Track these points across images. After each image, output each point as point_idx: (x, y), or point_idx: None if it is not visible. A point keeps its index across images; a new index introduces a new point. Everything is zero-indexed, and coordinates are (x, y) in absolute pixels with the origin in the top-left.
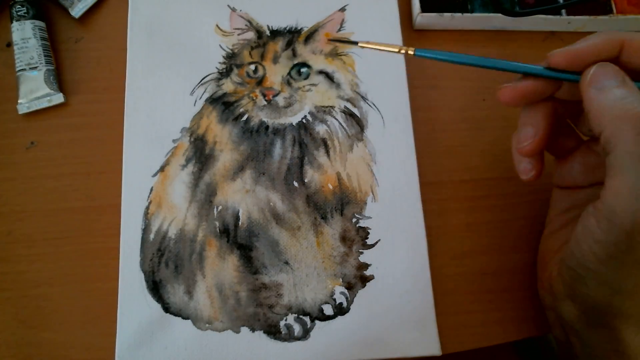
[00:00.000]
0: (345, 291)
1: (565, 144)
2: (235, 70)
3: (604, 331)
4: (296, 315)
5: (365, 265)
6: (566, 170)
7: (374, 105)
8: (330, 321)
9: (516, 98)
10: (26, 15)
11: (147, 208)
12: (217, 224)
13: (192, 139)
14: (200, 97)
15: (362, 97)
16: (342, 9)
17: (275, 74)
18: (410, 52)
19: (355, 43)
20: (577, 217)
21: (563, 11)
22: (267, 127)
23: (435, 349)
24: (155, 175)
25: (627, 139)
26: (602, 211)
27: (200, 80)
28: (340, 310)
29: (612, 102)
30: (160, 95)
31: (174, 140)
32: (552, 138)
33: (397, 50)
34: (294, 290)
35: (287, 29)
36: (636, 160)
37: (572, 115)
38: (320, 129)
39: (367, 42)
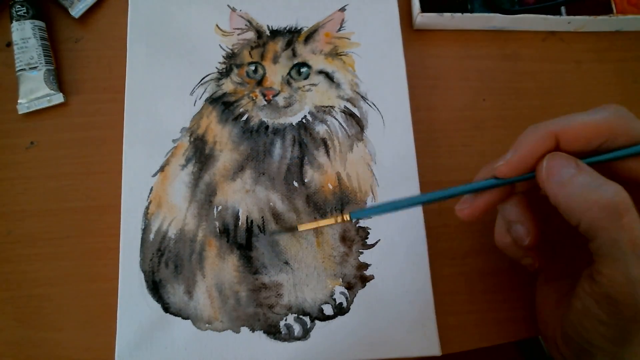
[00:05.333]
0: (345, 291)
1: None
2: (235, 70)
3: None
4: (296, 315)
5: (365, 265)
6: (552, 225)
7: (374, 105)
8: (330, 321)
9: (476, 214)
10: (26, 15)
11: (147, 208)
12: (217, 224)
13: (192, 139)
14: (200, 97)
15: (362, 97)
16: (342, 9)
17: (275, 73)
18: (347, 218)
19: (295, 228)
20: (570, 267)
21: (563, 11)
22: (267, 127)
23: (435, 349)
24: (155, 175)
25: (606, 227)
26: (601, 296)
27: (200, 80)
28: (340, 310)
29: (578, 194)
30: (160, 95)
31: (173, 140)
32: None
33: (333, 221)
34: (294, 290)
35: (287, 28)
36: (623, 248)
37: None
38: (320, 129)
39: (306, 224)
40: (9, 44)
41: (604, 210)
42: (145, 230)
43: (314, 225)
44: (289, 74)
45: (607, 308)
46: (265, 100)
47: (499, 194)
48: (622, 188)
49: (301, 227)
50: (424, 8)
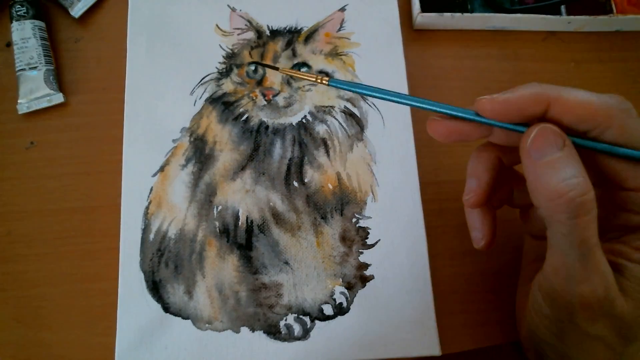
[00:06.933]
0: (345, 291)
1: (522, 198)
2: (235, 70)
3: None
4: (296, 315)
5: (365, 265)
6: (532, 222)
7: (374, 105)
8: (330, 321)
9: (444, 134)
10: (26, 15)
11: (147, 208)
12: (217, 224)
13: (192, 139)
14: (200, 97)
15: (362, 97)
16: (342, 9)
17: (275, 74)
18: (325, 82)
19: (277, 68)
20: None
21: (563, 11)
22: (267, 127)
23: (435, 349)
24: (155, 175)
25: (560, 221)
26: (545, 287)
27: (200, 80)
28: (340, 310)
29: (549, 178)
30: (160, 95)
31: (173, 140)
32: (504, 191)
33: (313, 79)
34: (294, 290)
35: (287, 28)
36: (570, 244)
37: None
38: (320, 129)
39: (286, 69)
40: (9, 44)
41: (565, 205)
42: (145, 230)
43: (293, 73)
44: None
45: (549, 301)
46: (265, 100)
47: (472, 129)
48: (591, 188)
49: (281, 70)
50: (424, 8)
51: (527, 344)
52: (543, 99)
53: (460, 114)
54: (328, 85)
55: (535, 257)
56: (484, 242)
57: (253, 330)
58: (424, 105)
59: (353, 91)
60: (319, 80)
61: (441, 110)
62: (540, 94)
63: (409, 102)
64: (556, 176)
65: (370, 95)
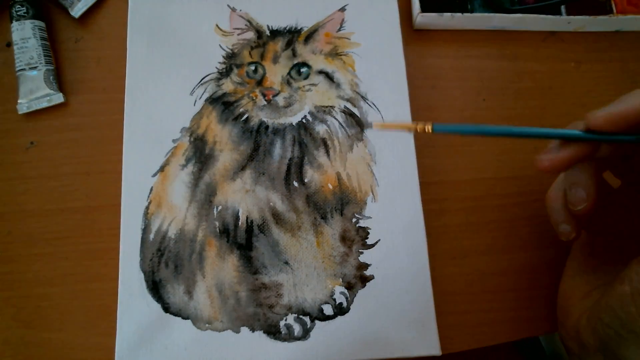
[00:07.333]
0: (345, 291)
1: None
2: (235, 70)
3: None
4: (296, 315)
5: (365, 265)
6: (596, 218)
7: (374, 105)
8: (330, 321)
9: (557, 166)
10: (26, 15)
11: (147, 208)
12: (217, 224)
13: (192, 139)
14: (200, 97)
15: (362, 97)
16: (342, 9)
17: (275, 74)
18: (429, 129)
19: (370, 125)
20: (608, 263)
21: (563, 11)
22: (267, 127)
23: (435, 349)
24: (155, 175)
25: None
26: None
27: (200, 80)
28: (340, 310)
29: None
30: (160, 95)
31: (173, 140)
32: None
33: (414, 127)
34: (294, 290)
35: (287, 28)
36: None
37: (606, 167)
38: (320, 129)
39: (383, 124)
40: (9, 44)
41: None
42: (145, 230)
43: (390, 125)
44: (289, 74)
45: None
46: (265, 100)
47: (585, 149)
48: None
49: (376, 125)
50: (424, 8)
51: (573, 333)
52: None
53: (572, 135)
54: (432, 132)
55: (591, 251)
56: (574, 234)
57: (253, 330)
58: (531, 133)
59: (463, 133)
60: (419, 128)
61: (549, 133)
62: None
63: (517, 133)
64: None
65: (483, 134)
